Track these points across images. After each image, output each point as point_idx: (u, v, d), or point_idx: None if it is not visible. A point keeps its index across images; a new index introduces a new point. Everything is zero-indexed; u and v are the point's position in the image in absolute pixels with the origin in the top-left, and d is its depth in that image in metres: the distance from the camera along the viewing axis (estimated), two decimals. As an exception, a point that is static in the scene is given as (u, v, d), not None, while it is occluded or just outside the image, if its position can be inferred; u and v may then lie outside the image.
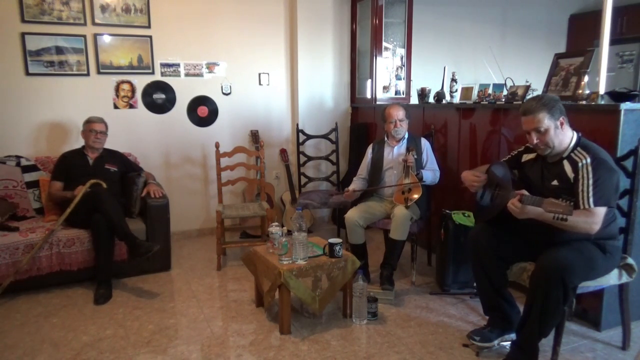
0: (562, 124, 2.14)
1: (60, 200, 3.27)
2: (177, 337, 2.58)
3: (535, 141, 2.17)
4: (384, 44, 4.43)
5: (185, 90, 4.18)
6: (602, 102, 2.68)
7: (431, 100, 3.89)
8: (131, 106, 4.01)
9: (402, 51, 4.55)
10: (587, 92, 2.66)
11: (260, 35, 4.39)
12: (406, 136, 3.32)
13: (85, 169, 3.36)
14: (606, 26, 2.96)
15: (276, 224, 2.79)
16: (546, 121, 2.12)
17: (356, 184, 3.36)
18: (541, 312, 2.04)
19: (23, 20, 3.55)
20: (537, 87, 3.11)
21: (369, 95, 4.54)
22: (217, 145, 3.82)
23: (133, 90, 3.99)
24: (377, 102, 4.45)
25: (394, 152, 3.30)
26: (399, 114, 3.24)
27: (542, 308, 2.04)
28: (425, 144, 3.31)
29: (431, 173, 3.20)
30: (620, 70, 5.37)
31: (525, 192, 2.09)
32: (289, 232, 2.79)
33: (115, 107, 3.95)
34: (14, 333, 2.62)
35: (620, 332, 2.44)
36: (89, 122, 3.42)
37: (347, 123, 4.80)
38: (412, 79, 4.62)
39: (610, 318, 2.54)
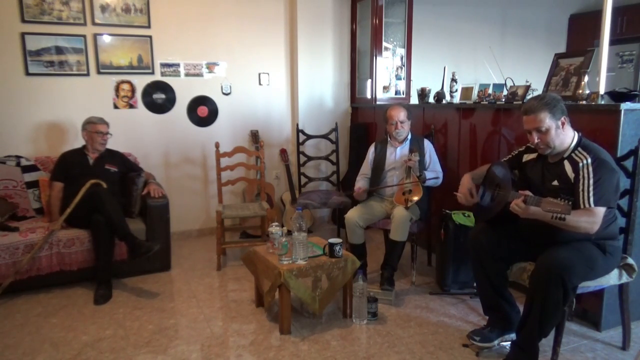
0: (563, 123, 2.13)
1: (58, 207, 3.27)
2: (177, 337, 2.58)
3: (536, 140, 2.17)
4: (384, 44, 4.43)
5: (185, 90, 4.18)
6: (602, 102, 2.69)
7: (431, 100, 3.89)
8: (131, 106, 4.01)
9: (402, 51, 4.56)
10: (587, 92, 2.65)
11: (260, 35, 4.38)
12: (409, 137, 3.30)
13: (86, 169, 3.34)
14: (606, 26, 2.96)
15: (276, 224, 2.79)
16: (547, 121, 2.11)
17: (362, 183, 3.34)
18: (541, 312, 2.04)
19: (23, 20, 3.55)
20: (537, 87, 3.11)
21: (369, 95, 4.54)
22: (217, 145, 3.82)
23: (133, 90, 3.99)
24: (377, 102, 4.45)
25: (397, 153, 3.28)
26: (400, 115, 3.21)
27: (542, 308, 2.04)
28: (428, 145, 3.29)
29: (434, 175, 3.19)
30: (620, 70, 5.38)
31: (529, 192, 2.09)
32: (289, 232, 2.79)
33: (115, 107, 3.95)
34: (14, 333, 2.62)
35: (620, 332, 2.44)
36: (92, 123, 3.38)
37: (347, 123, 4.80)
38: (412, 79, 4.62)
39: (610, 318, 2.54)
